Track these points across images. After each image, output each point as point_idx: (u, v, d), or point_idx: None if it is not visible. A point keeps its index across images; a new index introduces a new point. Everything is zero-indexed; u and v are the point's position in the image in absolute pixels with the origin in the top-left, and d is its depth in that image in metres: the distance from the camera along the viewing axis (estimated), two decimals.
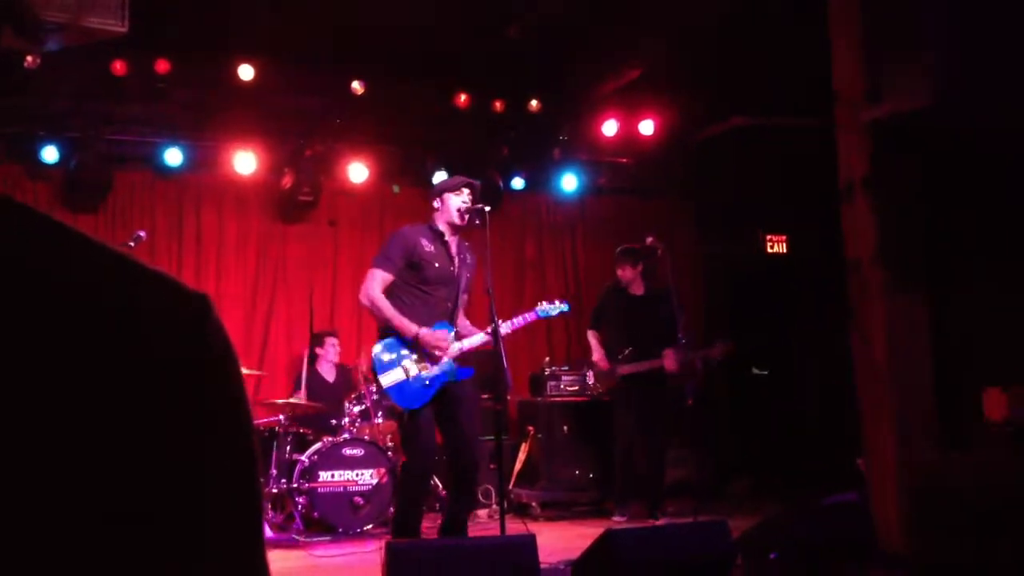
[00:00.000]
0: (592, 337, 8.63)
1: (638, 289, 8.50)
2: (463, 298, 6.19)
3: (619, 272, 8.51)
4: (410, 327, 5.90)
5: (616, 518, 8.20)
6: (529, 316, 6.41)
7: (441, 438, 6.10)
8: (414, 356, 5.96)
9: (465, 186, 6.09)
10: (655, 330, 8.04)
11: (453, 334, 6.01)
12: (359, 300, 6.17)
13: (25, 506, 0.67)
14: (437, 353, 5.91)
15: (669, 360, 8.03)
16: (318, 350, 9.07)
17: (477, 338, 6.05)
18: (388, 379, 5.94)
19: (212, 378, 0.77)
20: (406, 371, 5.92)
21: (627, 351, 8.18)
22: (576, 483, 8.98)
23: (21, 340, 0.69)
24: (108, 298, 0.74)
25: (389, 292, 6.03)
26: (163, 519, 0.72)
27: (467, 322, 6.23)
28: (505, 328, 6.06)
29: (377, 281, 6.00)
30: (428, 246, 6.02)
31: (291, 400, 8.07)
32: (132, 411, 0.71)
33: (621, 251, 8.51)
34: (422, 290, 6.01)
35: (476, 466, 6.11)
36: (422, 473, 5.99)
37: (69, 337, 0.70)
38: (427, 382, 5.89)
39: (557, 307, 6.55)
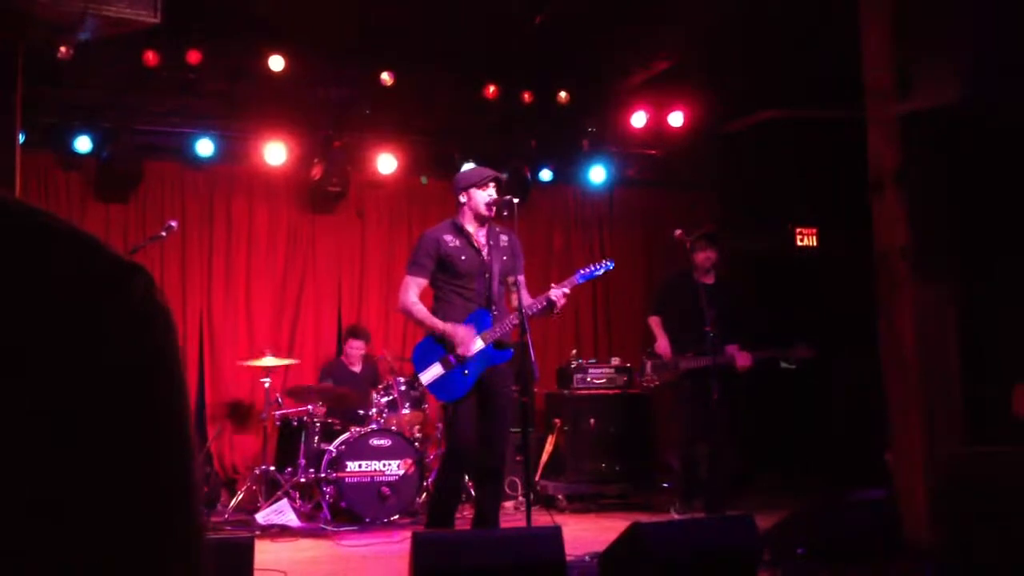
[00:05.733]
0: (655, 324, 8.09)
1: (709, 278, 7.93)
2: (510, 280, 6.11)
3: (702, 257, 7.89)
4: (436, 324, 5.93)
5: (675, 515, 7.84)
6: (572, 280, 6.23)
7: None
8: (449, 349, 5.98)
9: (491, 180, 6.07)
10: (724, 322, 7.49)
11: (479, 332, 5.96)
12: (399, 309, 6.21)
13: None
14: (460, 351, 5.92)
15: (742, 358, 7.65)
16: (344, 347, 9.16)
17: (500, 328, 6.00)
18: (427, 376, 5.95)
19: (133, 351, 0.68)
20: (445, 365, 5.92)
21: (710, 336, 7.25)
22: (602, 476, 8.97)
23: None
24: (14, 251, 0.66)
25: (431, 295, 6.10)
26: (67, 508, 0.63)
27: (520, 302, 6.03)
28: (554, 294, 5.98)
29: (411, 288, 6.05)
30: (452, 241, 6.02)
31: (319, 386, 8.11)
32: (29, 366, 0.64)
33: (704, 235, 7.96)
34: (456, 285, 6.03)
35: (503, 460, 6.13)
36: (457, 463, 5.99)
37: None
38: (466, 371, 5.89)
39: (601, 267, 6.38)
